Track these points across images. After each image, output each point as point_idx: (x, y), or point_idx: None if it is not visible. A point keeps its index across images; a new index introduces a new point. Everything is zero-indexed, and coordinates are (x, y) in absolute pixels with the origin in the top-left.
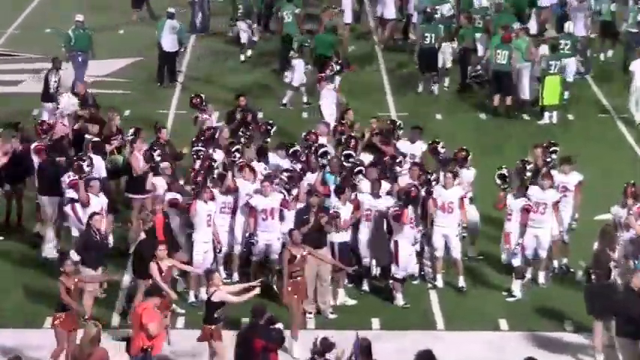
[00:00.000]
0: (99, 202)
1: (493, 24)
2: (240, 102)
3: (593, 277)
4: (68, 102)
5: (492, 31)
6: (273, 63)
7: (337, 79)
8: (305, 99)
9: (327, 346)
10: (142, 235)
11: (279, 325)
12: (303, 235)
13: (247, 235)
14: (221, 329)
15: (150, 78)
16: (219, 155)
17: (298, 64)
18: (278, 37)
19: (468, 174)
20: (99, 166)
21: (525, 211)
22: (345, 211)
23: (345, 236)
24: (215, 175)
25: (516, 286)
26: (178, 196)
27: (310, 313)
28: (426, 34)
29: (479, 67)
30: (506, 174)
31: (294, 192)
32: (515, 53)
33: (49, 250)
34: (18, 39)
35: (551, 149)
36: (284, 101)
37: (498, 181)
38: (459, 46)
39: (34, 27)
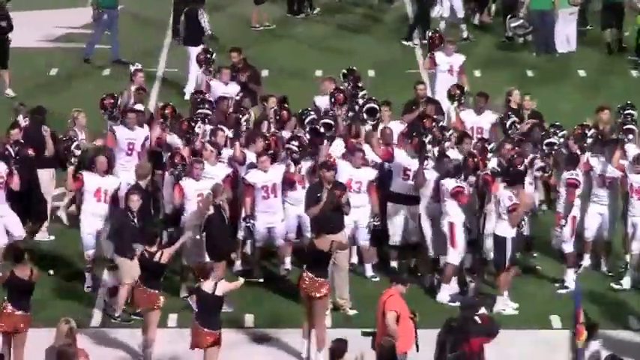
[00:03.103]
0: (95, 183)
1: None
2: (233, 58)
3: None
4: None
5: None
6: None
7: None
8: (465, 34)
9: (339, 349)
10: (211, 210)
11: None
12: (316, 217)
13: (242, 217)
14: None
15: (132, 30)
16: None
17: None
18: None
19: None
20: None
21: (571, 186)
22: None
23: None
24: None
25: (569, 277)
26: None
27: (327, 309)
28: None
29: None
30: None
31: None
32: None
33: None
34: None
35: (625, 112)
36: None
37: (537, 174)
38: None
39: None
